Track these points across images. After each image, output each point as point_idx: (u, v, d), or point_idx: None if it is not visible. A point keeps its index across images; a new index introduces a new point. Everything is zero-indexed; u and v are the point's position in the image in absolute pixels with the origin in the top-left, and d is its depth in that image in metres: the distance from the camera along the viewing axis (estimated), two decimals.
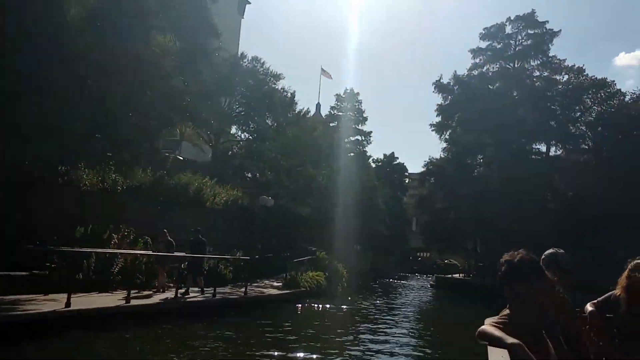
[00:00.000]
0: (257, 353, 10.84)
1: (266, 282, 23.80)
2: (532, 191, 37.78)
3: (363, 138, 68.18)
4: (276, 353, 10.87)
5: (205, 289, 16.89)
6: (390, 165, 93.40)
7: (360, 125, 67.47)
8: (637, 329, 3.95)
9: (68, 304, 11.01)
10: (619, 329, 4.14)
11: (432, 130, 44.83)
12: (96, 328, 11.10)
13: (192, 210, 23.10)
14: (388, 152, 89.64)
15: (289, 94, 53.29)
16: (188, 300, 15.29)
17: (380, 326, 16.36)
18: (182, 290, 15.71)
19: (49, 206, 18.15)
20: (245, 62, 52.72)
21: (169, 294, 15.37)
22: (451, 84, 44.53)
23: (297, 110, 37.99)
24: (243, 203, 28.37)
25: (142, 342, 11.09)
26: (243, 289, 19.55)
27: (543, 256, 3.94)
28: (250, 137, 43.89)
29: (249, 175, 35.69)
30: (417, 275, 62.15)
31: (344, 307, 21.15)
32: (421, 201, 48.07)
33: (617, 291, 4.19)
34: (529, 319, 2.52)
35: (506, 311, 2.61)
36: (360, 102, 67.35)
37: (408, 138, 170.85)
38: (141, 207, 21.29)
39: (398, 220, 75.20)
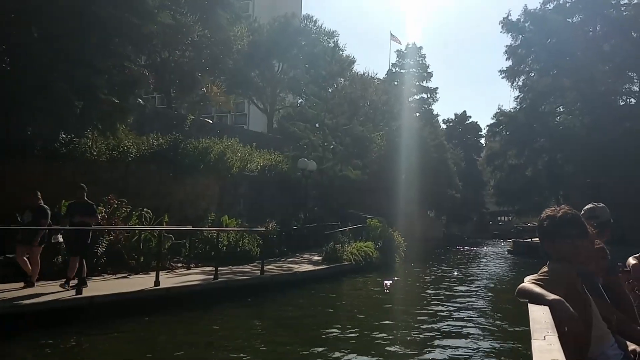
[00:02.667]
0: None
1: (306, 256, 20.60)
2: (623, 139, 32.27)
3: (429, 95, 63.33)
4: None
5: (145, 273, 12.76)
6: (463, 125, 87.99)
7: (425, 82, 62.61)
8: None
9: None
10: None
11: (502, 78, 39.58)
12: None
13: (216, 178, 20.14)
14: (459, 112, 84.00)
15: (343, 53, 49.83)
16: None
17: (417, 315, 12.78)
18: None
19: (45, 178, 15.70)
20: (298, 23, 49.51)
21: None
22: (522, 20, 38.79)
23: (343, 61, 33.97)
24: (282, 169, 25.15)
25: None
26: (269, 266, 16.60)
27: (582, 211, 3.72)
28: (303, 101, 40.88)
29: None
30: (498, 241, 57.20)
31: (388, 281, 17.58)
32: (491, 157, 43.04)
33: None
34: (569, 274, 2.57)
35: (546, 268, 2.63)
36: (424, 57, 62.35)
37: (482, 94, 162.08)
38: (152, 176, 18.58)
39: (473, 183, 70.12)
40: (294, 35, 46.12)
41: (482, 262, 30.09)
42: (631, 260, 4.27)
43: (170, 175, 18.78)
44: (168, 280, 12.03)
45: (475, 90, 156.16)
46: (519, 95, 39.03)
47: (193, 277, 12.97)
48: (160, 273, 11.70)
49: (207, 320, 10.14)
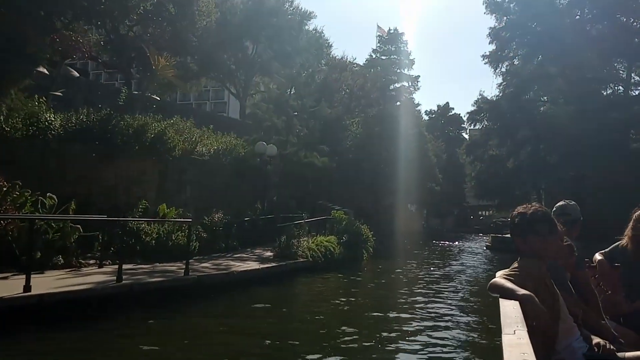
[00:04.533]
0: None
1: (259, 251, 18.20)
2: (610, 128, 30.22)
3: (410, 84, 61.02)
4: None
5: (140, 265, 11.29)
6: (445, 117, 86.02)
7: (406, 70, 60.31)
8: None
9: None
10: (625, 278, 4.16)
11: (485, 63, 37.20)
12: None
13: (155, 161, 17.60)
14: (442, 103, 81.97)
15: (320, 35, 47.16)
16: None
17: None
18: None
19: None
20: (273, 3, 46.65)
21: None
22: (507, 0, 36.39)
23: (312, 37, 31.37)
24: (239, 153, 22.66)
25: None
26: (204, 264, 14.20)
27: (554, 208, 3.89)
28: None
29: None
30: (479, 236, 55.40)
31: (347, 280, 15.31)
32: (471, 147, 40.77)
33: (624, 241, 4.18)
34: (539, 270, 2.68)
35: (517, 264, 2.74)
36: (406, 44, 59.89)
37: (465, 87, 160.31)
38: (77, 157, 16.00)
39: (454, 176, 68.14)
40: (268, 16, 43.44)
41: (457, 258, 27.95)
42: (597, 256, 4.41)
43: (99, 156, 16.21)
44: (56, 282, 9.55)
45: (459, 82, 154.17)
46: (502, 82, 36.72)
47: (95, 278, 10.43)
48: (59, 272, 9.27)
49: (76, 344, 7.57)
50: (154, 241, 14.28)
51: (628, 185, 27.52)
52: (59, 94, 18.91)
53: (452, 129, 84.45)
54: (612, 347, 2.91)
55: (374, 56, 58.37)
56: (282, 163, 23.08)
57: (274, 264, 15.42)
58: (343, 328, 9.26)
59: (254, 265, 14.66)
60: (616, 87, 32.60)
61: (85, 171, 15.95)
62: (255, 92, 49.62)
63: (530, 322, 2.16)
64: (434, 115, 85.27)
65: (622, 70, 34.53)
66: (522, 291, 2.38)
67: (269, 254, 17.23)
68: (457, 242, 41.97)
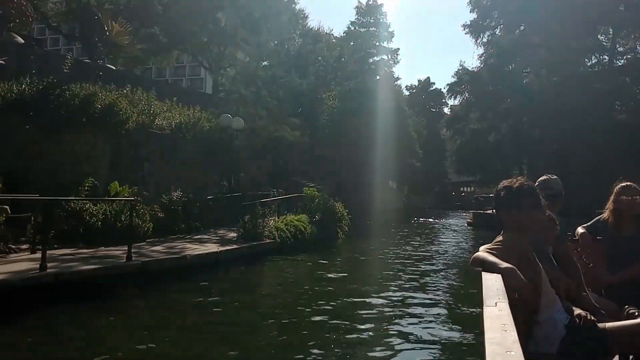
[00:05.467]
0: None
1: (223, 232, 16.82)
2: (594, 100, 29.12)
3: (389, 57, 59.35)
4: None
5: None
6: (426, 92, 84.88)
7: (386, 43, 58.49)
8: (624, 252, 4.05)
9: None
10: (607, 251, 4.22)
11: (466, 33, 35.71)
12: None
13: (106, 135, 15.99)
14: (423, 78, 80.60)
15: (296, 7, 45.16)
16: None
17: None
18: None
19: None
20: None
21: None
22: None
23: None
24: (204, 127, 21.11)
25: None
26: (156, 247, 12.81)
27: (537, 182, 3.75)
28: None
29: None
30: (460, 212, 54.59)
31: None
32: (452, 120, 39.46)
33: (605, 214, 4.26)
34: (522, 243, 2.70)
35: (500, 237, 2.77)
36: (385, 15, 57.84)
37: (447, 62, 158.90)
38: (14, 131, 14.38)
39: (436, 152, 67.11)
40: None
41: (437, 236, 26.85)
42: (579, 230, 4.45)
43: (41, 130, 14.59)
44: None
45: (440, 57, 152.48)
46: (483, 53, 35.30)
47: (18, 266, 8.99)
48: None
49: None
50: (99, 222, 12.80)
51: (612, 159, 26.57)
52: (1, 62, 17.15)
53: (433, 105, 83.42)
54: (592, 318, 2.92)
55: (352, 28, 56.43)
56: (251, 137, 21.59)
57: (235, 246, 14.04)
58: (309, 316, 8.01)
59: (212, 247, 13.27)
60: (601, 57, 31.43)
61: (24, 146, 14.37)
62: (230, 66, 47.82)
63: (512, 294, 2.17)
64: (414, 91, 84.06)
65: (606, 42, 33.35)
66: (504, 264, 2.40)
67: (233, 235, 15.86)
68: (437, 219, 40.98)
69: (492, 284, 2.16)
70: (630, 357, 3.10)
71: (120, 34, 20.05)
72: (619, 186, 4.17)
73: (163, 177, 18.22)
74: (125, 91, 17.69)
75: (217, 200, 18.92)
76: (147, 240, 13.88)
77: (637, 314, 3.08)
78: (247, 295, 10.04)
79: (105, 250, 11.64)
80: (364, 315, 8.45)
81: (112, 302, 8.66)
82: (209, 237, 15.66)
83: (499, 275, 2.29)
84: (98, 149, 15.77)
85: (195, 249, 12.81)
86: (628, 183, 4.20)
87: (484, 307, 1.83)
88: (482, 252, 2.61)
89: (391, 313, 8.55)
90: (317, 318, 8.17)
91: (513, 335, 1.55)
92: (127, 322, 7.76)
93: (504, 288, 2.12)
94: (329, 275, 12.69)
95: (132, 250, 11.20)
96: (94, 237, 12.46)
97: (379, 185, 47.22)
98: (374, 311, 8.82)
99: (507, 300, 1.92)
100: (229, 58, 48.01)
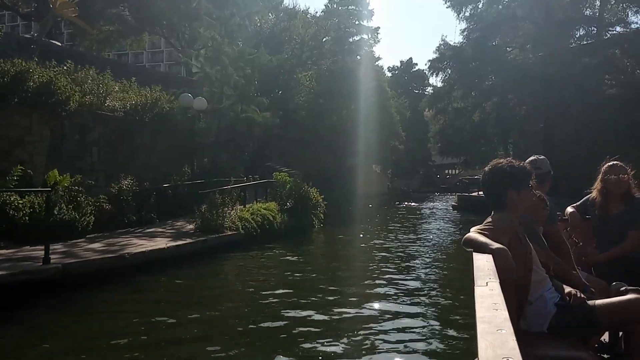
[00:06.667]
0: None
1: (180, 224, 15.07)
2: (583, 75, 27.63)
3: (370, 36, 57.32)
4: None
5: None
6: (408, 73, 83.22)
7: (365, 22, 56.43)
8: (612, 230, 4.11)
9: None
10: (596, 230, 4.29)
11: (448, 7, 33.83)
12: None
13: (44, 117, 14.10)
14: (405, 59, 78.95)
15: None
16: None
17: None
18: None
19: None
20: None
21: None
22: None
23: None
24: (164, 108, 19.26)
25: None
26: (94, 244, 11.07)
27: (526, 163, 3.51)
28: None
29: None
30: (446, 195, 53.38)
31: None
32: (434, 99, 37.76)
33: (593, 194, 4.31)
34: (512, 223, 2.73)
35: (490, 218, 2.79)
36: None
37: (429, 42, 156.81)
38: None
39: (419, 134, 65.51)
40: None
41: (420, 222, 25.34)
42: (569, 209, 4.47)
43: None
44: None
45: (423, 38, 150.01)
46: (465, 28, 33.52)
47: None
48: None
49: None
50: (26, 217, 11.02)
51: (602, 135, 25.19)
52: None
53: (416, 86, 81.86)
54: (582, 295, 2.91)
55: (330, 6, 54.27)
56: (216, 119, 19.78)
57: (189, 240, 12.34)
58: (263, 333, 6.38)
59: (161, 243, 11.55)
60: (590, 29, 29.87)
61: None
62: (203, 47, 45.69)
63: (503, 275, 2.15)
64: (396, 72, 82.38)
65: (594, 13, 31.71)
66: (495, 245, 2.42)
67: (191, 227, 14.16)
68: (421, 203, 39.55)
69: (483, 265, 2.17)
70: (620, 333, 3.20)
71: (65, 5, 18.01)
72: (606, 165, 4.20)
73: (116, 165, 16.41)
74: (65, 68, 15.72)
75: (176, 188, 17.17)
76: (88, 236, 12.17)
77: (625, 290, 3.00)
78: (191, 308, 8.27)
79: (29, 250, 9.91)
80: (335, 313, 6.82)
81: (19, 315, 6.97)
82: (164, 230, 13.96)
83: (490, 256, 2.32)
84: (34, 132, 13.90)
85: (139, 246, 11.09)
86: (615, 162, 4.19)
87: (475, 287, 1.83)
88: (474, 233, 2.63)
89: (373, 326, 6.90)
90: (275, 331, 6.52)
91: (504, 313, 1.55)
92: (25, 342, 6.06)
93: (494, 268, 2.14)
94: (296, 275, 11.02)
95: (62, 250, 9.59)
96: (19, 234, 10.72)
97: (362, 169, 45.82)
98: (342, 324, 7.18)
99: (498, 280, 1.93)
100: (202, 39, 46.04)
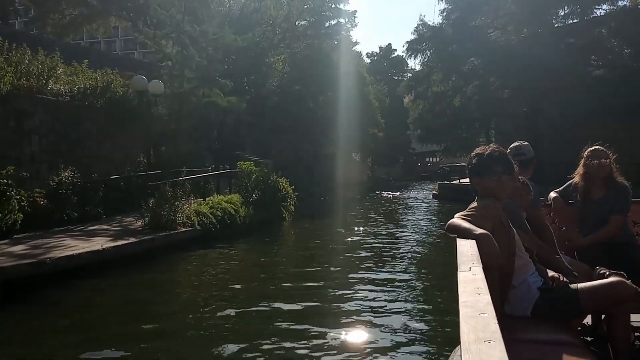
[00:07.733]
0: None
1: (129, 220, 13.42)
2: (568, 56, 26.40)
3: (346, 20, 55.66)
4: None
5: None
6: (388, 59, 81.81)
7: (342, 5, 54.73)
8: (595, 214, 4.10)
9: None
10: (578, 215, 4.28)
11: None
12: None
13: None
14: (384, 45, 77.41)
15: None
16: None
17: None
18: None
19: None
20: None
21: None
22: None
23: None
24: (117, 93, 17.57)
25: None
26: (14, 247, 9.47)
27: (508, 149, 3.78)
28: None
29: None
30: (426, 183, 52.27)
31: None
32: (413, 83, 36.25)
33: (576, 179, 4.32)
34: (495, 209, 2.68)
35: (475, 204, 2.75)
36: None
37: (409, 26, 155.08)
38: None
39: (399, 121, 64.24)
40: None
41: (399, 212, 24.02)
42: (552, 194, 4.49)
43: None
44: None
45: (402, 23, 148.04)
46: (445, 8, 31.96)
47: None
48: None
49: None
50: None
51: (587, 120, 24.06)
52: None
53: (396, 72, 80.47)
54: (565, 279, 2.92)
55: None
56: (176, 104, 18.13)
57: (133, 240, 10.74)
58: None
59: (96, 244, 9.95)
60: (575, 7, 28.56)
61: None
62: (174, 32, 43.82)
63: (487, 260, 2.14)
64: (375, 58, 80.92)
65: None
66: (479, 230, 2.40)
67: (140, 223, 12.57)
68: (400, 192, 38.27)
69: (467, 250, 2.17)
70: (602, 316, 3.37)
71: None
72: (588, 150, 4.21)
73: (60, 154, 14.73)
74: None
75: (129, 180, 15.55)
76: (16, 236, 10.57)
77: (607, 274, 2.99)
78: (123, 324, 6.74)
79: None
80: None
81: None
82: (109, 227, 12.36)
83: (474, 241, 2.30)
84: None
85: (70, 248, 9.50)
86: (597, 147, 4.19)
87: (459, 272, 1.83)
88: (457, 219, 2.61)
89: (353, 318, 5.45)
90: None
91: (486, 297, 1.55)
92: None
93: (478, 253, 2.13)
94: (261, 275, 9.54)
95: None
96: None
97: (341, 158, 44.51)
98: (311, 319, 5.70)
99: (481, 265, 1.92)
100: (158, 16, 44.10)
